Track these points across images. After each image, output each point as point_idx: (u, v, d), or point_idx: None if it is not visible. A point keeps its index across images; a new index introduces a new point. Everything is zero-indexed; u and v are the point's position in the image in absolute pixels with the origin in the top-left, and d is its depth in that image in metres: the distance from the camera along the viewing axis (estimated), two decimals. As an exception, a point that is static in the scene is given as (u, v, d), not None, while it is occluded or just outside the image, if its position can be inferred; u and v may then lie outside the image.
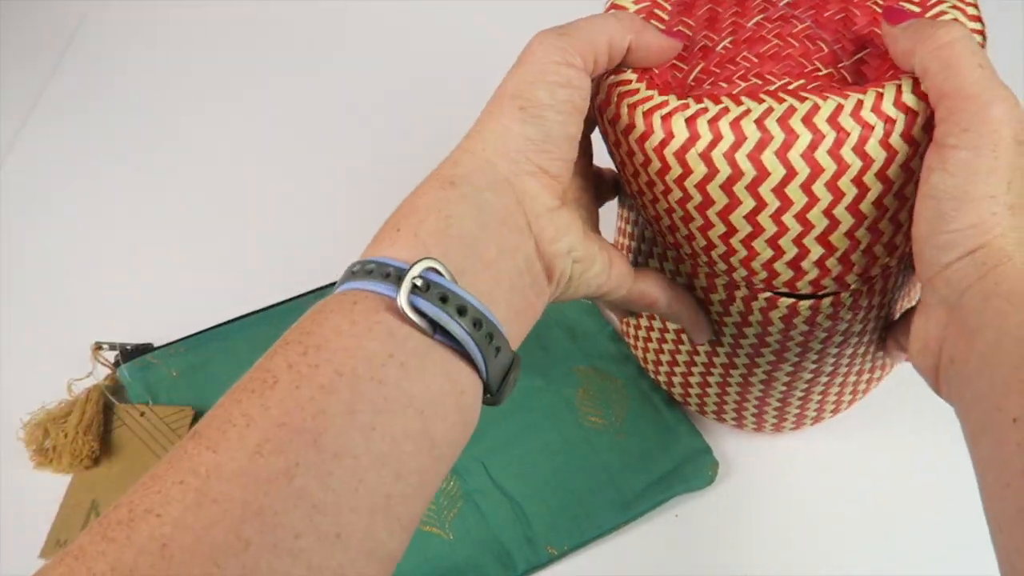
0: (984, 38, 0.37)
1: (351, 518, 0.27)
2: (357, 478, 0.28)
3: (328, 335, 0.29)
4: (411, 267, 0.30)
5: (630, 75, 0.39)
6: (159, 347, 0.57)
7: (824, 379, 0.46)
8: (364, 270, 0.31)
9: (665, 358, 0.52)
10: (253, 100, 0.77)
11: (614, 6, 0.43)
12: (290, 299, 0.60)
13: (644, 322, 0.52)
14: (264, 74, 0.79)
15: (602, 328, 0.58)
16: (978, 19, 0.38)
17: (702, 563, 0.49)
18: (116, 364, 0.56)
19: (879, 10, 0.40)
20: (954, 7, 0.38)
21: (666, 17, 0.42)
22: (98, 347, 0.57)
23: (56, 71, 0.80)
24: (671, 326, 0.49)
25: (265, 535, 0.25)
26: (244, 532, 0.25)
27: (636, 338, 0.55)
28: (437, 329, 0.30)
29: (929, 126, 0.35)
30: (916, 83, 0.35)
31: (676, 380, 0.52)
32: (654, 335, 0.51)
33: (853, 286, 0.39)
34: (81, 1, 0.86)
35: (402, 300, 0.30)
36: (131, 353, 0.56)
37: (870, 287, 0.40)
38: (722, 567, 0.49)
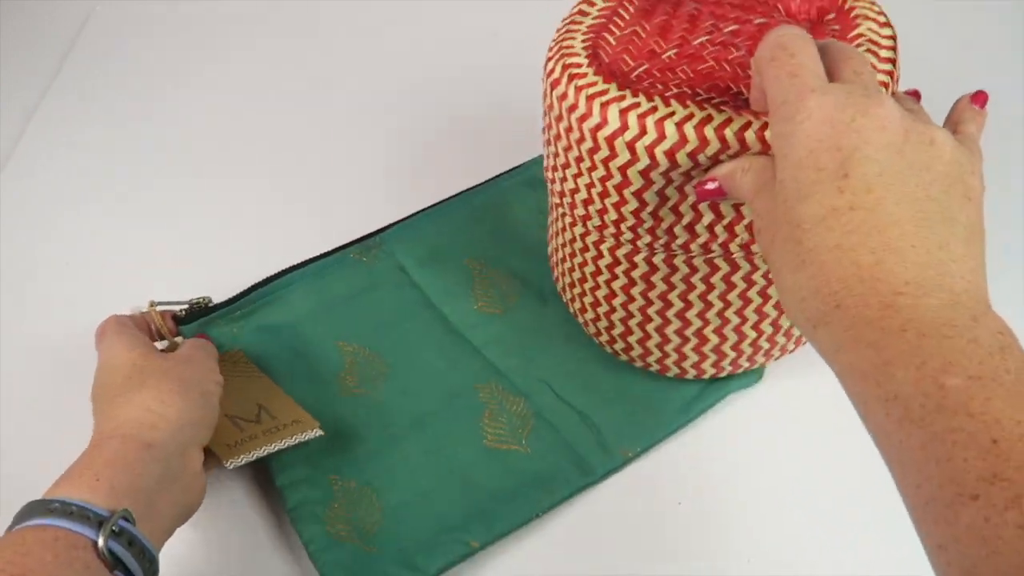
0: (894, 40, 0.44)
1: None
2: None
3: (33, 566, 0.36)
4: (111, 516, 0.38)
5: (583, 58, 0.45)
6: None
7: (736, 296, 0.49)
8: (64, 511, 0.38)
9: (603, 308, 0.52)
10: (263, 93, 0.77)
11: (581, 12, 0.48)
12: (330, 252, 0.62)
13: (577, 273, 0.53)
14: (275, 67, 0.79)
15: None
16: (888, 24, 0.45)
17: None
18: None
19: None
20: (866, 6, 0.45)
21: (627, 17, 0.48)
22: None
23: (64, 65, 0.80)
24: (599, 277, 0.50)
25: None
26: None
27: (565, 278, 0.55)
28: (118, 565, 0.38)
29: None
30: None
31: (602, 325, 0.53)
32: (587, 286, 0.52)
33: (732, 251, 0.46)
34: (89, -3, 0.86)
35: (102, 543, 0.38)
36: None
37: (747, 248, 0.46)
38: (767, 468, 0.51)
